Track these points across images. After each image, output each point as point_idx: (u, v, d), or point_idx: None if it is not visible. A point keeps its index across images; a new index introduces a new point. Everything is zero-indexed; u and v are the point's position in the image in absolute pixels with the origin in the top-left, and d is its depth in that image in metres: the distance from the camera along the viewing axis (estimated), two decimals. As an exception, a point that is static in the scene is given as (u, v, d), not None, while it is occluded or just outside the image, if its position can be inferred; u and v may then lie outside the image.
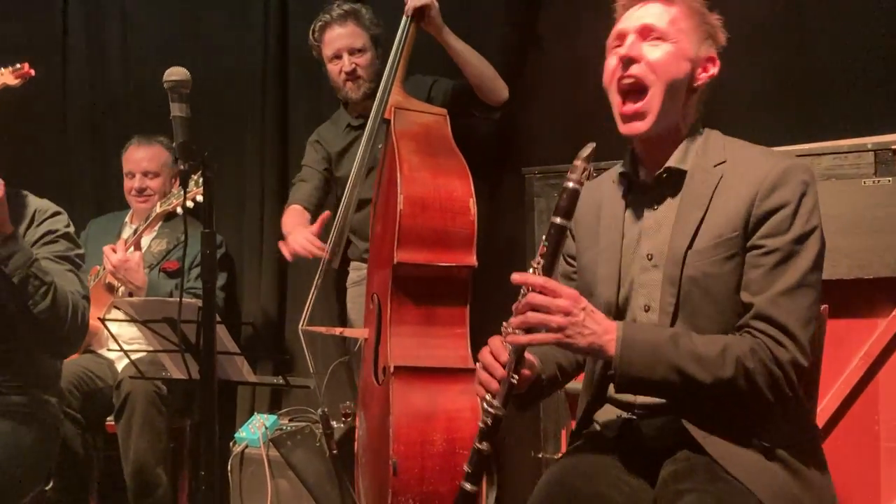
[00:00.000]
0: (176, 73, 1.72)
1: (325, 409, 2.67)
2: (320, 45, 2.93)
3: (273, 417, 3.00)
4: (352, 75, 2.86)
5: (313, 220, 2.87)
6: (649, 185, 1.60)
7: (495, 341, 1.52)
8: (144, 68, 3.74)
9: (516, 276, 1.46)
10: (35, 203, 2.29)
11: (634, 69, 1.54)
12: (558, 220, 1.47)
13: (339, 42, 2.86)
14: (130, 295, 3.06)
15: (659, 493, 1.49)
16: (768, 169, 1.47)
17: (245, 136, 3.59)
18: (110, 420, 2.97)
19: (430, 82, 2.87)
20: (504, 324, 1.50)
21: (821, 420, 2.09)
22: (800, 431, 1.52)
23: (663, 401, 1.53)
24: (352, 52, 2.85)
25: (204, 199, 1.80)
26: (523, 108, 2.87)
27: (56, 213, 2.31)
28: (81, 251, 2.33)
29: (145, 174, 3.30)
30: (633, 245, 1.60)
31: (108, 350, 3.05)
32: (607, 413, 1.65)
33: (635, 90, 1.55)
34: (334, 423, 2.77)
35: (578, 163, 1.47)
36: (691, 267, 1.49)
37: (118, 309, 2.55)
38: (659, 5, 1.57)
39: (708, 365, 1.41)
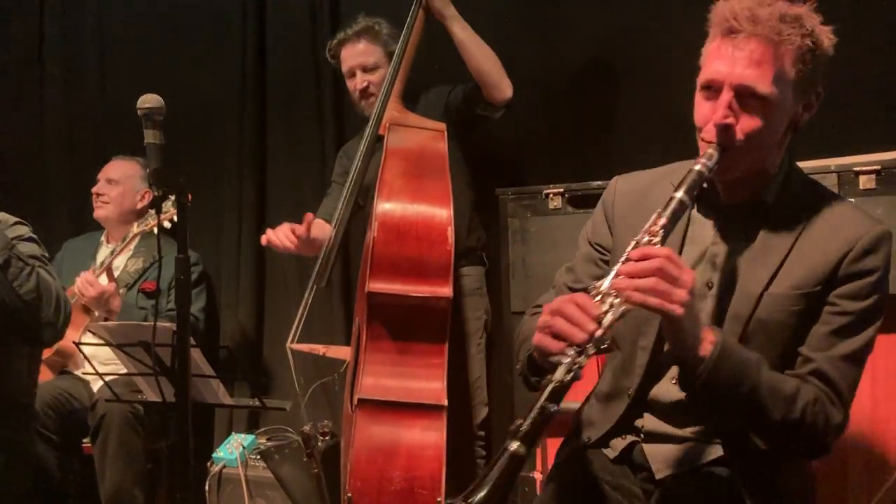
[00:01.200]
0: (149, 101, 1.74)
1: (307, 428, 2.66)
2: (338, 62, 2.94)
3: (251, 437, 3.00)
4: (364, 93, 2.85)
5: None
6: (724, 209, 1.52)
7: (581, 296, 1.35)
8: (121, 89, 3.74)
9: (635, 253, 1.34)
10: None
11: (726, 136, 1.43)
12: (684, 196, 1.38)
13: (352, 60, 2.86)
14: (106, 318, 3.05)
15: None
16: (864, 231, 1.43)
17: (223, 155, 3.60)
18: (86, 441, 2.96)
19: (449, 89, 2.83)
20: (592, 287, 1.37)
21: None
22: (801, 469, 1.55)
23: (670, 429, 1.51)
24: (364, 69, 2.84)
25: (178, 224, 1.82)
26: (498, 128, 2.89)
27: (18, 223, 2.34)
28: (47, 257, 2.37)
29: (107, 181, 3.33)
30: (690, 265, 1.48)
31: (84, 373, 3.04)
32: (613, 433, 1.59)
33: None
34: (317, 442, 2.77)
35: (710, 150, 1.42)
36: (764, 310, 1.45)
37: (92, 333, 2.55)
38: (762, 49, 1.39)
39: (781, 401, 1.39)
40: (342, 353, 2.88)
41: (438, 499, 2.20)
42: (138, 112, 1.75)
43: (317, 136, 3.42)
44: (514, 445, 1.26)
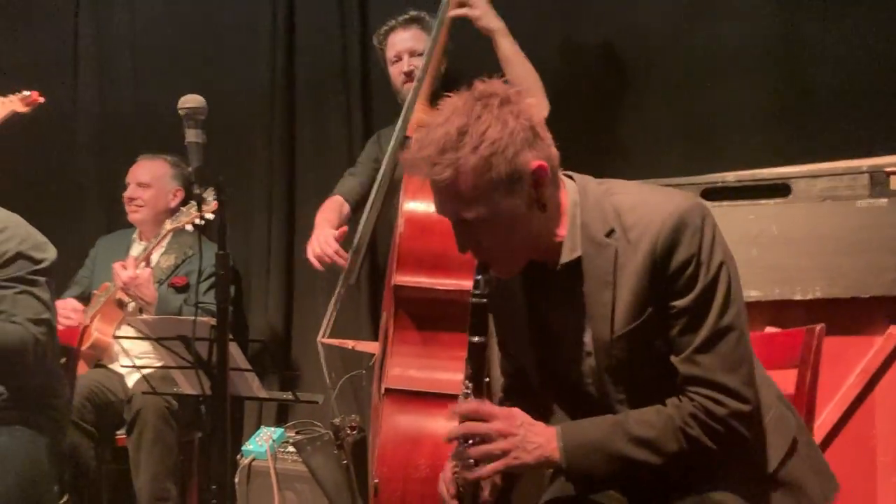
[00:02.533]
0: (191, 101, 1.77)
1: (337, 421, 2.70)
2: (384, 49, 2.97)
3: (280, 430, 3.04)
4: (410, 76, 2.86)
5: (354, 213, 2.90)
6: (556, 278, 1.52)
7: (446, 474, 1.55)
8: (153, 88, 3.78)
9: (451, 412, 1.48)
10: None
11: (481, 256, 1.50)
12: (475, 339, 1.48)
13: (402, 45, 2.90)
14: (141, 310, 3.11)
15: None
16: (658, 229, 1.40)
17: (253, 151, 3.63)
18: (120, 433, 3.02)
19: None
20: (449, 463, 1.52)
21: (818, 435, 2.14)
22: (777, 449, 1.52)
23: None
24: (412, 54, 2.88)
25: (218, 220, 1.85)
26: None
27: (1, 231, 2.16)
28: (42, 264, 2.22)
29: (138, 184, 3.34)
30: (560, 334, 1.54)
31: (121, 366, 3.10)
32: None
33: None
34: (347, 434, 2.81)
35: (479, 278, 1.49)
36: (623, 353, 1.46)
37: (131, 326, 2.59)
38: (443, 188, 1.43)
39: (653, 447, 1.41)
40: (370, 347, 2.92)
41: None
42: (180, 112, 1.77)
43: (345, 135, 3.45)
44: None
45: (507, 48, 2.66)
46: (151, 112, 3.76)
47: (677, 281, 1.40)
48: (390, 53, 2.94)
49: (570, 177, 1.53)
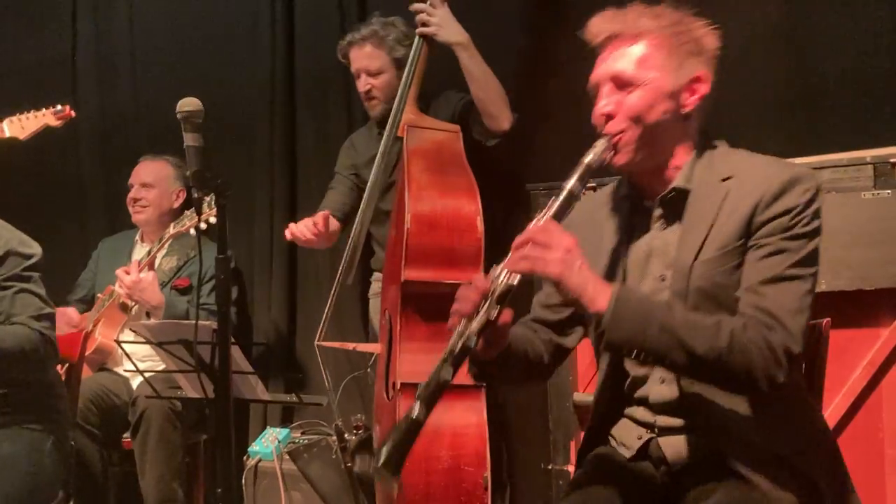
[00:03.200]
0: (189, 104, 1.76)
1: (340, 423, 2.70)
2: (348, 62, 2.98)
3: (285, 431, 3.04)
4: (367, 95, 2.90)
5: (344, 226, 2.94)
6: (654, 206, 1.58)
7: (476, 277, 1.49)
8: (153, 89, 3.79)
9: (519, 237, 1.46)
10: None
11: (608, 123, 1.54)
12: (570, 183, 1.48)
13: (357, 63, 2.91)
14: (148, 314, 3.10)
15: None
16: (773, 177, 1.47)
17: (254, 153, 3.63)
18: (126, 437, 3.02)
19: (460, 97, 2.86)
20: (494, 266, 1.48)
21: (825, 429, 2.12)
22: (815, 440, 1.53)
23: (682, 422, 1.52)
24: (368, 73, 2.89)
25: (218, 224, 1.85)
26: (531, 124, 2.90)
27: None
28: (33, 259, 2.21)
29: (142, 185, 3.35)
30: (642, 267, 1.58)
31: (125, 370, 3.10)
32: (625, 430, 1.62)
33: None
34: (347, 436, 2.81)
35: (599, 141, 1.53)
36: (699, 278, 1.48)
37: (133, 331, 2.60)
38: (623, 48, 1.54)
39: (702, 332, 1.40)
40: (371, 347, 2.92)
41: (485, 474, 2.32)
42: (178, 115, 1.77)
43: (346, 134, 3.41)
44: (416, 411, 1.44)
45: (467, 61, 2.68)
46: (152, 113, 3.77)
47: (772, 222, 1.45)
48: (352, 68, 2.96)
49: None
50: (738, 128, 2.71)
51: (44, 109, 2.73)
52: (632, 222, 1.62)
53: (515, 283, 1.44)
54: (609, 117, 1.54)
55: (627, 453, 1.60)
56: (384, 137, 2.76)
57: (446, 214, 2.48)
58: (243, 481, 2.97)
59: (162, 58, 3.82)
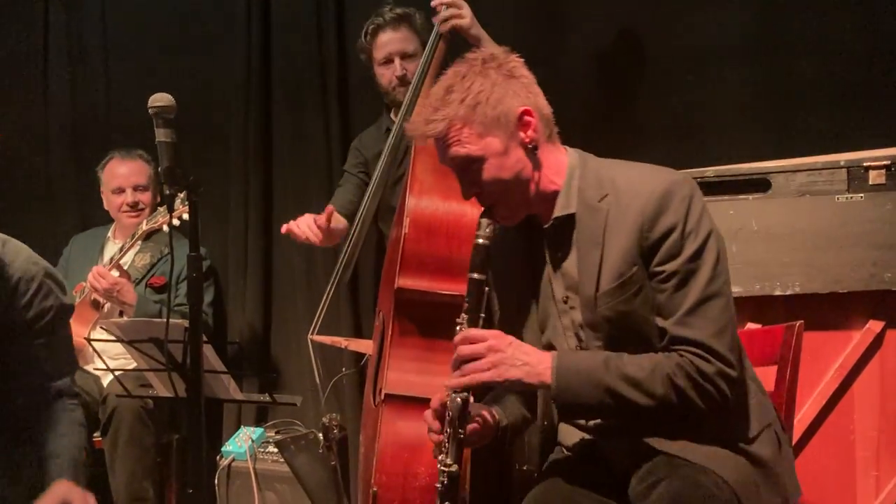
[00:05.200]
0: (160, 100, 1.74)
1: (326, 420, 2.66)
2: (371, 48, 2.87)
3: (260, 430, 3.01)
4: (402, 80, 2.80)
5: (350, 224, 2.85)
6: (548, 231, 1.63)
7: (435, 400, 1.60)
8: (125, 84, 3.73)
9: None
10: (17, 264, 1.81)
11: (484, 202, 1.61)
12: (475, 275, 1.56)
13: (392, 46, 2.81)
14: (121, 312, 3.06)
15: (632, 496, 1.52)
16: (646, 194, 1.51)
17: (229, 150, 3.59)
18: (97, 436, 2.98)
19: None
20: (444, 384, 1.57)
21: (797, 430, 2.14)
22: (754, 423, 1.57)
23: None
24: (403, 56, 2.80)
25: (190, 222, 1.82)
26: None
27: (44, 280, 1.83)
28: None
29: (135, 188, 3.30)
30: (548, 289, 1.65)
31: (94, 368, 3.05)
32: (568, 436, 1.69)
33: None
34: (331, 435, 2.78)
35: (483, 220, 1.58)
36: (605, 309, 1.54)
37: (104, 329, 2.55)
38: (448, 140, 1.57)
39: (640, 386, 1.47)
40: (364, 346, 2.88)
41: (462, 495, 2.24)
42: (150, 111, 1.74)
43: (322, 131, 3.42)
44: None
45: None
46: (124, 108, 3.71)
47: (663, 244, 1.49)
48: (379, 54, 2.84)
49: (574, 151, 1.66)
50: (712, 131, 2.75)
51: None
52: (534, 247, 1.68)
53: (468, 397, 1.56)
54: (478, 197, 1.61)
55: (574, 456, 1.67)
56: (395, 125, 2.70)
57: (447, 221, 2.38)
58: (216, 481, 2.94)
59: (135, 52, 3.76)
